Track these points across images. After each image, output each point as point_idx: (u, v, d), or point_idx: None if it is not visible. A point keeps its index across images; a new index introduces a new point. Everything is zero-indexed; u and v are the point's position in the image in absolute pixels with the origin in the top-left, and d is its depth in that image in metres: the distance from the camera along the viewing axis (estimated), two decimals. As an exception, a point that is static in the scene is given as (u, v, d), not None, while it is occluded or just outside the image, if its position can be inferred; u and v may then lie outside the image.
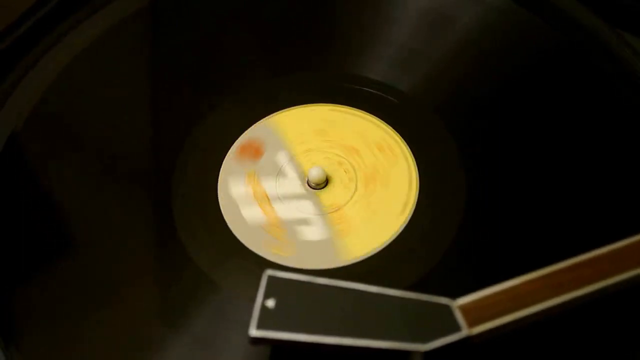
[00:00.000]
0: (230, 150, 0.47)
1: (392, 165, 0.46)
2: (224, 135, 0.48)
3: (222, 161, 0.47)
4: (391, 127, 0.47)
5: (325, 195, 0.45)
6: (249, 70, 0.50)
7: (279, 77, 0.50)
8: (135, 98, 0.50)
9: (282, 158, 0.47)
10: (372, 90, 0.49)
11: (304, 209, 0.45)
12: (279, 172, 0.46)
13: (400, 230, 0.44)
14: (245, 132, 0.48)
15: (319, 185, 0.46)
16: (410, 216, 0.44)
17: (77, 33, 0.52)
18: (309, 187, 0.46)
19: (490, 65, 0.49)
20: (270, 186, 0.46)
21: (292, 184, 0.46)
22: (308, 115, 0.48)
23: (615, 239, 0.39)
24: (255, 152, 0.47)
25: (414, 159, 0.46)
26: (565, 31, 0.50)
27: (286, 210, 0.45)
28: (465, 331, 0.37)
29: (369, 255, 0.43)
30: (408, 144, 0.47)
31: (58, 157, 0.47)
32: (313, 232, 0.44)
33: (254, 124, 0.48)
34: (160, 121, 0.49)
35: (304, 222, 0.44)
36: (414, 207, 0.44)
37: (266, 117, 0.48)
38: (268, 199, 0.45)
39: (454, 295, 0.38)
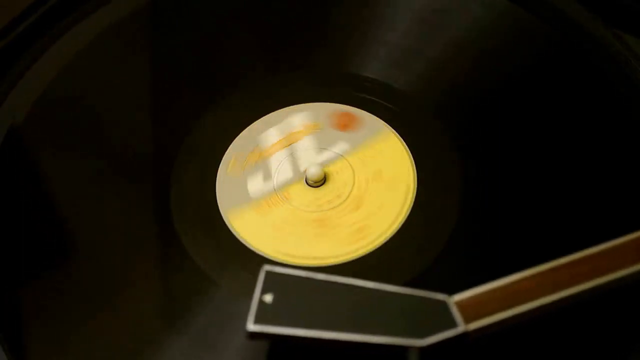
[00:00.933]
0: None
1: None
2: (222, 134, 0.48)
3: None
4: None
5: (324, 192, 0.46)
6: (247, 69, 0.51)
7: (276, 76, 0.50)
8: (135, 94, 0.50)
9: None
10: (369, 88, 0.49)
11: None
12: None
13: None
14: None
15: (317, 182, 0.46)
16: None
17: (77, 31, 0.52)
18: (307, 185, 0.46)
19: (487, 63, 0.49)
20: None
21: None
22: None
23: (612, 237, 0.39)
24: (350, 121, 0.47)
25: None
26: (562, 29, 0.50)
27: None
28: (461, 327, 0.37)
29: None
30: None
31: (57, 154, 0.48)
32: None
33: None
34: (159, 120, 0.49)
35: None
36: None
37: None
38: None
39: (452, 291, 0.38)
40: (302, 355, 0.39)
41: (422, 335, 0.37)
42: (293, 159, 0.47)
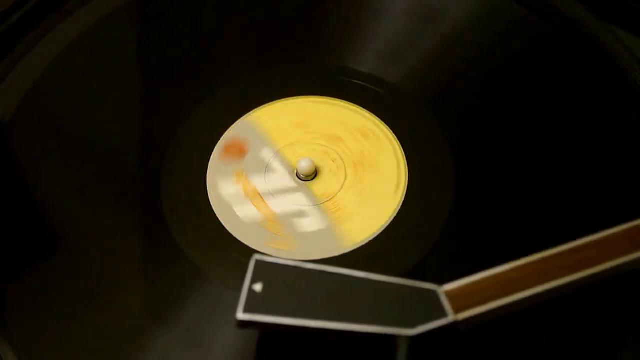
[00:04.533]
0: (214, 151, 0.47)
1: (378, 149, 0.46)
2: (210, 132, 0.48)
3: (209, 161, 0.47)
4: (374, 114, 0.48)
5: (317, 185, 0.46)
6: (233, 64, 0.51)
7: (262, 71, 0.50)
8: (123, 90, 0.50)
9: (267, 154, 0.47)
10: (359, 82, 0.49)
11: (298, 201, 0.45)
12: (266, 168, 0.46)
13: (392, 217, 0.44)
14: (228, 130, 0.48)
15: (309, 176, 0.46)
16: (401, 203, 0.44)
17: (64, 27, 0.52)
18: (298, 180, 0.46)
19: (478, 57, 0.50)
20: (260, 182, 0.46)
21: (282, 178, 0.46)
22: (286, 109, 0.49)
23: (602, 229, 0.40)
24: (239, 151, 0.47)
25: (400, 145, 0.46)
26: (554, 23, 0.50)
27: (280, 205, 0.45)
28: (451, 317, 0.37)
29: (367, 241, 0.43)
30: (395, 134, 0.47)
31: (45, 151, 0.47)
32: (311, 223, 0.44)
33: (234, 123, 0.48)
34: (146, 119, 0.49)
35: (300, 214, 0.45)
36: (405, 192, 0.45)
37: (245, 115, 0.48)
38: (260, 196, 0.45)
39: (447, 281, 0.38)
40: (292, 344, 0.39)
41: (412, 325, 0.37)
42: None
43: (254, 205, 0.45)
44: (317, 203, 0.45)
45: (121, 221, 0.45)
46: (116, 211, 0.45)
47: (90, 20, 0.52)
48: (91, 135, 0.48)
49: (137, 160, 0.47)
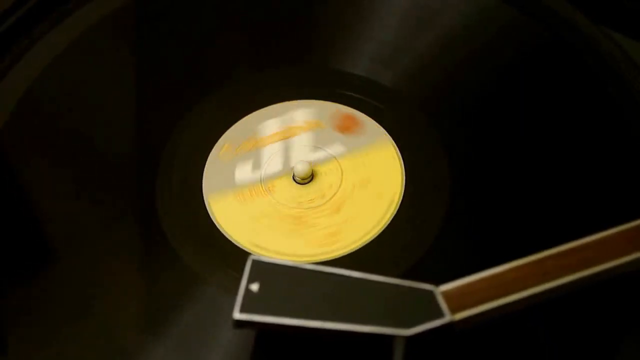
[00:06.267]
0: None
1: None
2: (207, 135, 0.48)
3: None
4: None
5: (315, 187, 0.46)
6: (232, 66, 0.51)
7: (262, 72, 0.50)
8: (119, 93, 0.50)
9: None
10: (354, 85, 0.49)
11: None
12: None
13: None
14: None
15: (305, 179, 0.46)
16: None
17: (61, 29, 0.52)
18: (295, 182, 0.46)
19: (474, 60, 0.50)
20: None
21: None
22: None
23: (599, 230, 0.39)
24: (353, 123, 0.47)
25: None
26: (549, 25, 0.50)
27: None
28: (448, 317, 0.37)
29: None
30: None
31: (42, 152, 0.47)
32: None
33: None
34: (144, 119, 0.49)
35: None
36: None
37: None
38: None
39: (444, 282, 0.38)
40: (288, 345, 0.39)
41: (409, 325, 0.37)
42: (286, 153, 0.47)
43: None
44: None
45: (118, 225, 0.45)
46: (113, 214, 0.45)
47: (90, 20, 0.52)
48: (88, 137, 0.48)
49: (134, 162, 0.47)
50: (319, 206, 0.45)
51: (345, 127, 0.47)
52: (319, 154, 0.47)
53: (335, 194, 0.45)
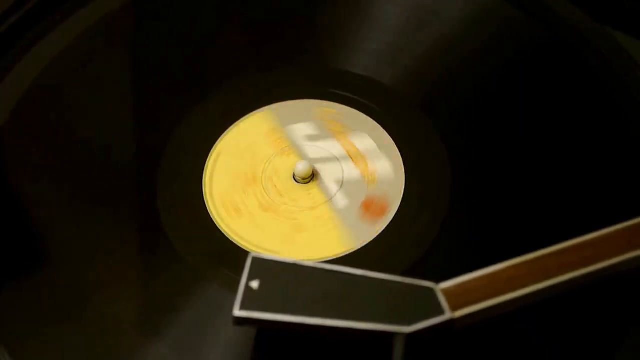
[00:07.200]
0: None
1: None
2: (208, 134, 0.48)
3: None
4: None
5: (315, 187, 0.46)
6: (232, 66, 0.51)
7: (262, 72, 0.50)
8: (119, 93, 0.50)
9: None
10: (354, 85, 0.49)
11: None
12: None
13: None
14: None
15: (305, 179, 0.46)
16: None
17: (61, 29, 0.52)
18: (295, 182, 0.46)
19: (474, 59, 0.50)
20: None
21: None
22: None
23: (599, 228, 0.40)
24: (380, 210, 0.45)
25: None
26: (548, 24, 0.50)
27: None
28: (448, 314, 0.37)
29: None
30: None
31: (42, 153, 0.47)
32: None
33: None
34: (144, 119, 0.49)
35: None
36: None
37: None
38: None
39: (445, 280, 0.38)
40: (289, 342, 0.39)
41: (409, 322, 0.37)
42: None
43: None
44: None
45: (118, 225, 0.45)
46: (113, 214, 0.45)
47: (89, 21, 0.52)
48: (88, 137, 0.48)
49: (134, 162, 0.47)
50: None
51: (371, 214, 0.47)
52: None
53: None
